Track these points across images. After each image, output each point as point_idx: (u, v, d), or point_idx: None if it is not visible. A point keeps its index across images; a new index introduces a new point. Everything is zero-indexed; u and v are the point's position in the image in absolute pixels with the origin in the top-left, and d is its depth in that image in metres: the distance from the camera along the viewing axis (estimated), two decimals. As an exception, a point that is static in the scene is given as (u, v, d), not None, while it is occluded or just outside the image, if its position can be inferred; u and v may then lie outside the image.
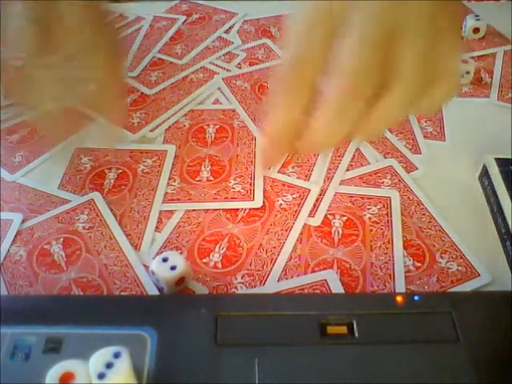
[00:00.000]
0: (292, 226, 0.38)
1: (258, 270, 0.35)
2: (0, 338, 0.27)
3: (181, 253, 0.36)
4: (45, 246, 0.37)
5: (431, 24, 0.26)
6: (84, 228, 0.38)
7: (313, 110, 0.27)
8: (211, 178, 0.42)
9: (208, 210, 0.39)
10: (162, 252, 0.36)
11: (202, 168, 0.43)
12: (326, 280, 0.34)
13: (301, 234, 0.37)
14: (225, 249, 0.37)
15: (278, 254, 0.36)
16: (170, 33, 0.58)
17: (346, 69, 0.26)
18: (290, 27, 0.29)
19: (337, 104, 0.27)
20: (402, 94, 0.27)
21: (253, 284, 0.34)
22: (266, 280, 0.35)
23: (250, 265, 0.36)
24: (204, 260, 0.36)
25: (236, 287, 0.34)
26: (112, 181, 0.42)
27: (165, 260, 0.33)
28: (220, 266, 0.36)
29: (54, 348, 0.27)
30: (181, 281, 0.33)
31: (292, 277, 0.35)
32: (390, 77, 0.26)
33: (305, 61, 0.27)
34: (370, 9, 0.26)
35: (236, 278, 0.35)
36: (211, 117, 0.48)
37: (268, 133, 0.29)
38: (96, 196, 0.40)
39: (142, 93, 0.50)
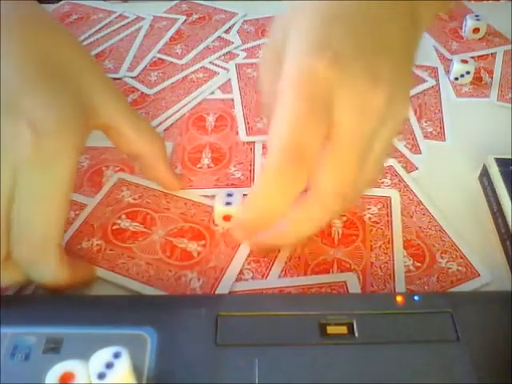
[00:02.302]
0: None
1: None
2: (0, 337, 0.27)
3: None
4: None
5: None
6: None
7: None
8: (212, 165, 0.43)
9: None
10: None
11: (203, 155, 0.44)
12: (345, 282, 0.34)
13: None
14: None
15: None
16: (170, 33, 0.58)
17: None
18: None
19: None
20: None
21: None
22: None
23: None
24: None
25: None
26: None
27: (229, 195, 0.36)
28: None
29: (54, 348, 0.27)
30: (227, 218, 0.36)
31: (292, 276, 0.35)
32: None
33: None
34: None
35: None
36: (211, 106, 0.49)
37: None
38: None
39: (142, 93, 0.50)
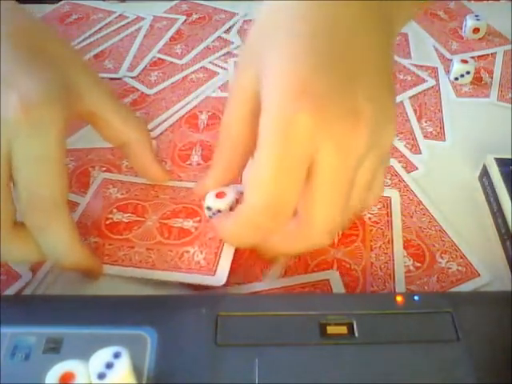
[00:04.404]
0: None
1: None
2: (0, 337, 0.27)
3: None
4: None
5: None
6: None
7: None
8: (201, 162, 0.43)
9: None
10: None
11: (193, 152, 0.44)
12: (328, 280, 0.35)
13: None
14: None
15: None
16: (170, 33, 0.58)
17: None
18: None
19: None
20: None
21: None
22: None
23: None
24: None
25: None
26: None
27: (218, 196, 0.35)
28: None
29: (54, 348, 0.27)
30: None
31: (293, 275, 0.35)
32: None
33: None
34: None
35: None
36: (204, 104, 0.49)
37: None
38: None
39: (142, 93, 0.50)
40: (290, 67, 0.26)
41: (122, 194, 0.39)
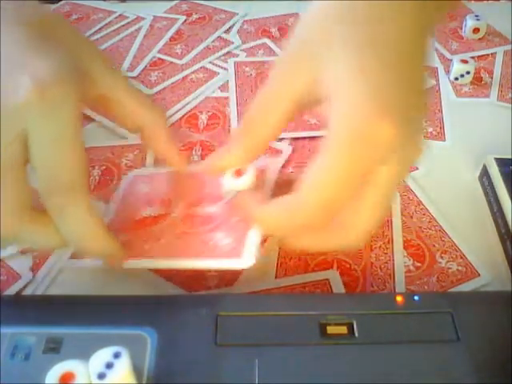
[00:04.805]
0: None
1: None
2: (0, 337, 0.27)
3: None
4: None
5: None
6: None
7: None
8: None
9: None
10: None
11: (193, 152, 0.44)
12: (328, 280, 0.34)
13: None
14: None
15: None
16: (170, 33, 0.58)
17: None
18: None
19: None
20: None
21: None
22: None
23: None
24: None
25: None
26: (97, 177, 0.42)
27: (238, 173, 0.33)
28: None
29: (54, 348, 0.27)
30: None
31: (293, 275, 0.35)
32: None
33: None
34: None
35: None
36: (204, 104, 0.49)
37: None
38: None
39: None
40: (368, 81, 0.27)
41: (147, 188, 0.38)
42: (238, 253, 0.31)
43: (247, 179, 0.32)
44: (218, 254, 0.32)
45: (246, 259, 0.31)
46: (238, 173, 0.32)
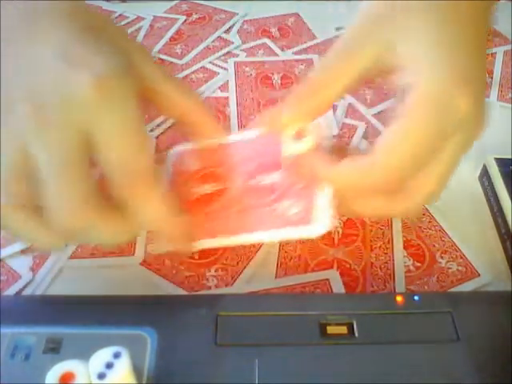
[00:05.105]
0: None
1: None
2: (0, 337, 0.27)
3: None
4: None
5: None
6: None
7: None
8: None
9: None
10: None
11: None
12: (328, 280, 0.34)
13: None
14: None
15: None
16: (170, 33, 0.58)
17: None
18: None
19: None
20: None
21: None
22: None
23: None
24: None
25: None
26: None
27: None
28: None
29: (54, 348, 0.27)
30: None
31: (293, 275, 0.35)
32: None
33: None
34: None
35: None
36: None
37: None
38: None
39: (142, 93, 0.50)
40: (448, 53, 0.28)
41: (197, 164, 0.37)
42: (308, 220, 0.30)
43: (310, 140, 0.31)
44: (288, 224, 0.30)
45: (317, 226, 0.29)
46: (299, 134, 0.31)
